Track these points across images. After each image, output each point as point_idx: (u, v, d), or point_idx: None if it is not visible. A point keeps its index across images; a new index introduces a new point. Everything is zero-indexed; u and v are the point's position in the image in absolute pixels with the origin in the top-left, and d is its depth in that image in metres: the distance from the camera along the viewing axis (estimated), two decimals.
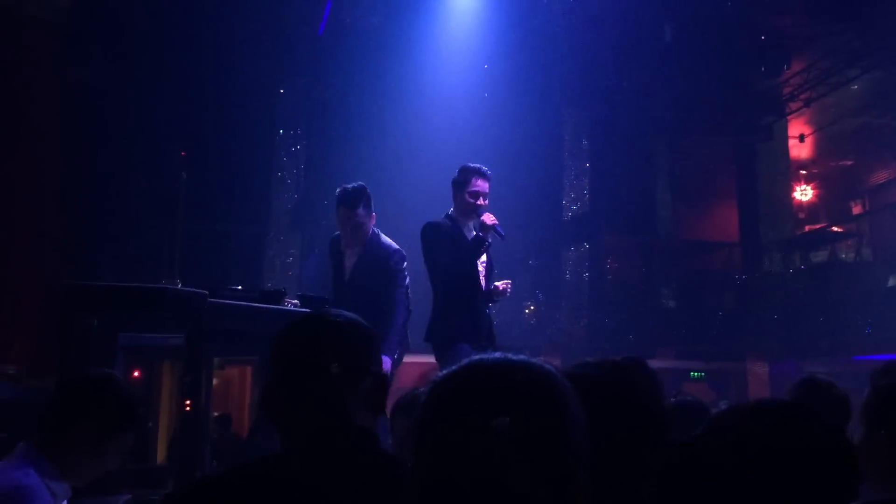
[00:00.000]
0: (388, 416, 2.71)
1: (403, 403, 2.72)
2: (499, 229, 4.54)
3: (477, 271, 4.66)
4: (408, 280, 4.79)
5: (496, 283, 4.75)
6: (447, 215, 4.77)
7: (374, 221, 4.80)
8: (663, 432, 1.41)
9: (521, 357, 1.03)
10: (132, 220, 8.49)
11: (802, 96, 11.28)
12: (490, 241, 4.60)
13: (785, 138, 12.27)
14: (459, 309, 4.56)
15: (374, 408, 1.58)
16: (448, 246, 4.57)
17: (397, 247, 4.81)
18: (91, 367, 2.52)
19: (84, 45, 7.90)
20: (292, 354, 1.57)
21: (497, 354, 1.03)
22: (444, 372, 1.03)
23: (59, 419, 2.06)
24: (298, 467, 1.43)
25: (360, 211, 4.70)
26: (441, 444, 0.96)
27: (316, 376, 1.52)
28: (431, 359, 4.87)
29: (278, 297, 4.12)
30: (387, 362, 4.32)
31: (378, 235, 4.83)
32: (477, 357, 1.03)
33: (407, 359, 6.58)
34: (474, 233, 4.68)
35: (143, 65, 8.88)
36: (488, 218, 4.53)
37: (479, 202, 4.62)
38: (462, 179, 4.67)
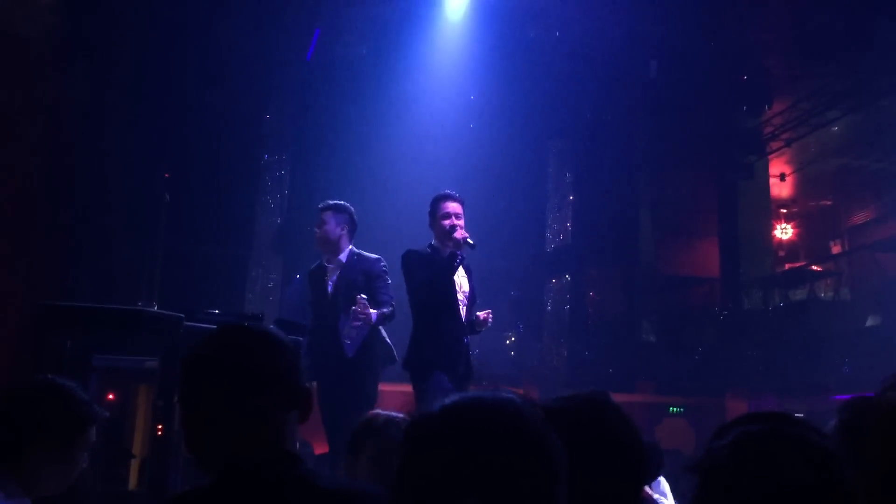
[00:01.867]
0: (351, 438, 2.66)
1: (360, 430, 2.68)
2: (469, 241, 4.58)
3: (455, 299, 4.67)
4: (389, 280, 5.04)
5: (478, 313, 4.75)
6: (428, 245, 4.82)
7: (345, 232, 5.11)
8: (642, 467, 1.41)
9: (499, 398, 1.01)
10: (113, 241, 8.42)
11: (784, 136, 11.43)
12: (463, 255, 4.63)
13: (766, 176, 12.40)
14: (437, 337, 4.57)
15: (302, 421, 1.50)
16: (424, 267, 4.60)
17: (378, 256, 5.12)
18: (30, 377, 2.39)
19: (67, 62, 7.89)
20: (208, 377, 1.42)
21: (474, 396, 1.02)
22: (422, 415, 1.02)
23: (16, 435, 1.99)
24: (225, 500, 1.33)
25: (329, 217, 5.07)
26: (418, 493, 0.95)
27: (237, 396, 1.39)
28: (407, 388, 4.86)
29: (256, 321, 4.10)
30: (373, 315, 4.74)
31: (359, 252, 5.12)
32: (455, 400, 1.02)
33: (391, 387, 6.56)
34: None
35: (129, 85, 8.86)
36: (458, 233, 4.58)
37: (451, 221, 4.66)
38: (434, 208, 4.77)
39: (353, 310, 4.77)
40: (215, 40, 8.66)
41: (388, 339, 5.10)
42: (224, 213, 9.11)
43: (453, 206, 4.72)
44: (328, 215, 5.14)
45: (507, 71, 9.62)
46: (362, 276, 5.00)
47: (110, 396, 8.13)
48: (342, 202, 5.24)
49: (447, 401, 1.01)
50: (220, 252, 9.35)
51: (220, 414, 1.40)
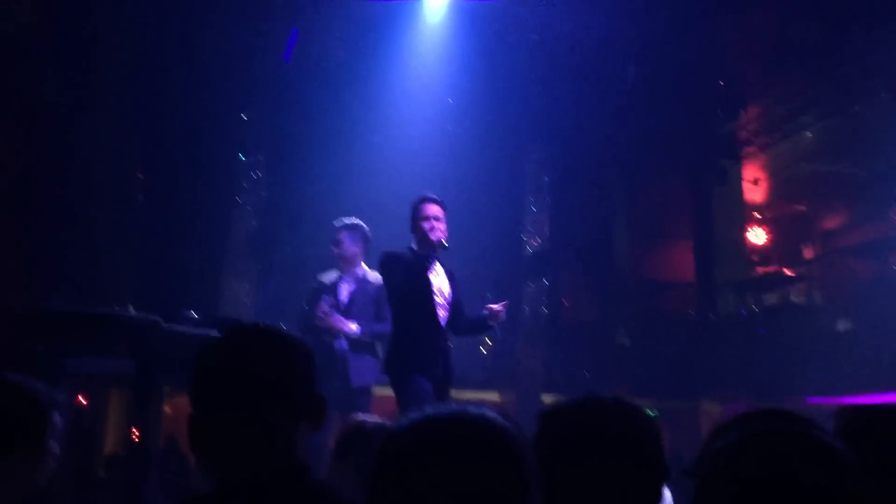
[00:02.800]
0: (337, 444, 2.65)
1: (349, 435, 2.66)
2: (444, 242, 4.59)
3: (432, 302, 4.65)
4: None
5: (491, 305, 4.74)
6: (408, 247, 4.80)
7: (361, 253, 5.44)
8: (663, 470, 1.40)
9: (477, 414, 1.00)
10: (87, 243, 8.32)
11: (758, 141, 11.53)
12: (436, 256, 4.64)
13: (740, 181, 12.50)
14: (414, 340, 4.55)
15: (314, 430, 1.43)
16: (402, 270, 4.60)
17: None
18: None
19: (42, 63, 7.78)
20: (223, 377, 1.36)
21: (453, 411, 1.01)
22: (398, 428, 1.01)
23: None
24: None
25: (342, 234, 5.38)
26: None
27: (250, 404, 1.34)
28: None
29: (234, 326, 4.04)
30: (356, 331, 5.12)
31: (369, 271, 5.40)
32: (431, 415, 1.01)
33: (385, 392, 6.56)
34: (435, 262, 4.71)
35: (104, 85, 8.76)
36: (434, 235, 4.59)
37: (430, 224, 4.66)
38: (414, 212, 4.77)
39: (319, 310, 5.15)
40: (192, 41, 8.58)
41: (380, 355, 5.28)
42: (199, 215, 9.03)
43: (433, 209, 4.72)
44: (343, 234, 5.44)
45: (485, 75, 9.63)
46: (375, 293, 5.30)
47: (82, 401, 8.04)
48: (356, 221, 5.53)
49: (417, 415, 1.01)
50: (195, 254, 9.26)
51: (227, 419, 1.35)
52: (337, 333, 5.12)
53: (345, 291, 5.37)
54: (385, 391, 6.41)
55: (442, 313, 4.71)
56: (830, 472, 0.95)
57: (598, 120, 10.72)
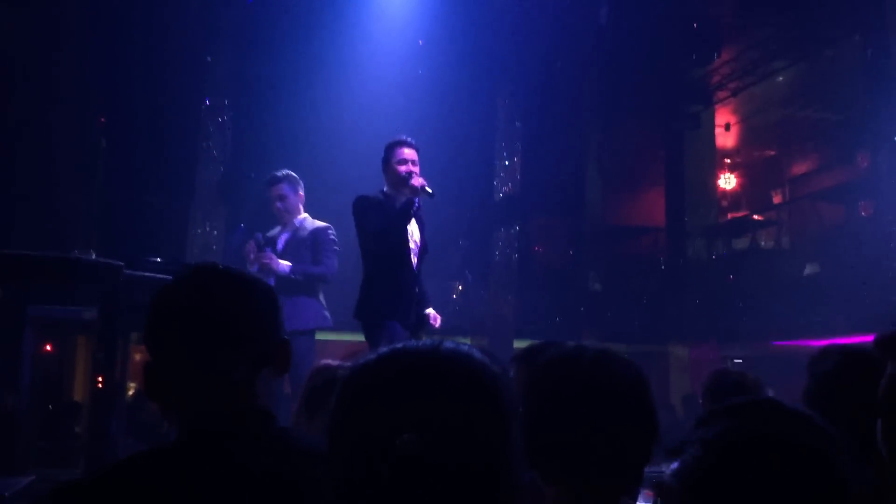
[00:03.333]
0: (302, 398, 2.59)
1: (321, 385, 2.60)
2: (427, 189, 4.51)
3: (407, 247, 4.60)
4: (337, 248, 5.24)
5: (427, 312, 4.70)
6: (380, 191, 4.73)
7: (302, 202, 5.38)
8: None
9: (453, 346, 0.93)
10: (48, 188, 8.13)
11: (730, 85, 11.49)
12: (419, 203, 4.56)
13: (712, 126, 12.50)
14: (388, 286, 4.50)
15: (278, 375, 1.37)
16: (378, 214, 4.52)
17: (327, 224, 5.33)
18: None
19: (2, 5, 7.50)
20: (179, 322, 1.28)
21: (427, 343, 0.94)
22: (366, 359, 0.94)
23: None
24: (192, 462, 1.21)
25: (283, 188, 5.30)
26: (358, 443, 0.86)
27: (211, 348, 1.27)
28: (359, 338, 4.80)
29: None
30: (285, 268, 5.04)
31: (308, 218, 5.37)
32: (402, 346, 0.94)
33: (334, 337, 6.53)
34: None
35: (64, 27, 8.49)
36: (416, 180, 4.50)
37: (408, 167, 4.58)
38: (387, 154, 4.68)
39: (246, 250, 5.14)
40: None
41: (322, 300, 5.25)
42: (164, 159, 8.84)
43: (409, 153, 4.62)
44: (284, 187, 5.34)
45: (456, 17, 9.44)
46: (310, 238, 5.25)
47: (48, 348, 7.94)
48: (291, 172, 5.43)
49: (389, 347, 0.94)
50: (160, 200, 9.10)
51: (183, 365, 1.27)
52: (267, 273, 5.01)
53: (281, 241, 5.33)
54: (339, 337, 6.42)
55: (413, 259, 4.66)
56: (819, 481, 0.90)
57: (570, 64, 10.60)
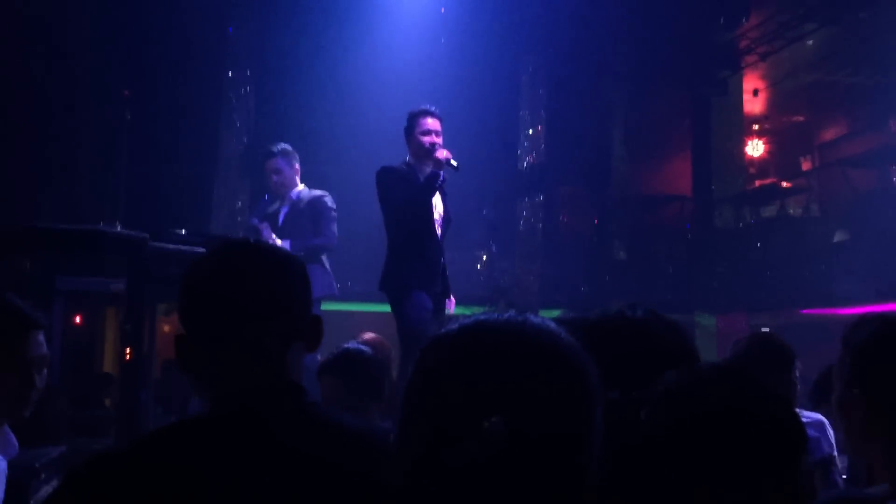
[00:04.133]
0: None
1: (332, 361, 2.60)
2: (452, 162, 4.48)
3: (432, 218, 4.58)
4: (335, 215, 5.33)
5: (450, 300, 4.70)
6: (403, 162, 4.69)
7: (297, 174, 5.46)
8: None
9: (540, 323, 0.89)
10: (74, 161, 8.19)
11: (759, 50, 11.27)
12: (445, 175, 4.53)
13: (740, 93, 12.28)
14: (414, 256, 4.49)
15: (310, 351, 1.38)
16: (403, 186, 4.49)
17: (324, 192, 5.43)
18: None
19: None
20: (211, 296, 1.29)
21: (512, 318, 0.89)
22: (446, 333, 0.90)
23: None
24: (224, 435, 1.22)
25: (279, 162, 5.40)
26: (438, 423, 0.83)
27: (242, 322, 1.27)
28: (377, 309, 4.82)
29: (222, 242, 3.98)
30: (285, 246, 4.96)
31: (306, 189, 5.46)
32: (486, 320, 0.89)
33: (354, 308, 6.56)
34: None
35: (87, 1, 8.50)
36: (441, 153, 4.46)
37: (431, 139, 4.54)
38: (411, 123, 4.64)
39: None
40: None
41: (328, 268, 5.32)
42: (188, 131, 8.86)
43: (433, 123, 4.58)
44: (279, 161, 5.43)
45: None
46: (309, 209, 5.33)
47: (77, 320, 8.04)
48: (286, 146, 5.51)
49: (466, 320, 0.90)
50: (184, 172, 9.13)
51: (216, 339, 1.28)
52: None
53: (281, 216, 5.42)
54: (351, 307, 6.44)
55: (437, 230, 4.64)
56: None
57: (595, 30, 10.44)
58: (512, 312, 0.89)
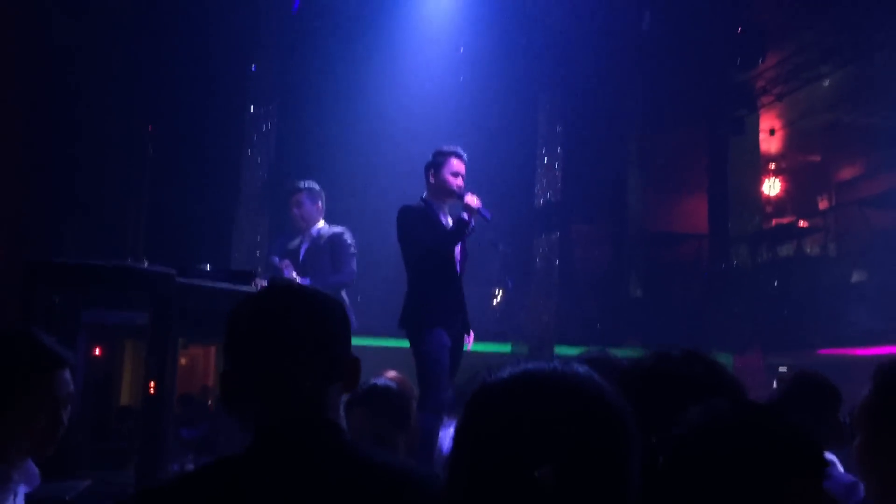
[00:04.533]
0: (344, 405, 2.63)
1: (362, 394, 2.64)
2: (484, 212, 4.49)
3: (454, 259, 4.60)
4: (354, 251, 5.44)
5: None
6: (421, 199, 4.72)
7: (320, 213, 5.60)
8: None
9: (572, 368, 0.94)
10: (97, 195, 8.30)
11: (775, 90, 11.33)
12: (474, 224, 4.54)
13: (756, 132, 12.33)
14: (436, 294, 4.50)
15: (347, 391, 1.42)
16: (423, 228, 4.51)
17: (343, 229, 5.55)
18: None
19: (51, 15, 7.67)
20: (256, 334, 1.34)
21: (544, 365, 0.94)
22: (493, 382, 0.94)
23: None
24: (265, 469, 1.26)
25: (302, 197, 5.54)
26: (487, 471, 0.87)
27: (284, 360, 1.32)
28: (396, 344, 4.84)
29: (248, 277, 4.05)
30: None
31: (326, 225, 5.59)
32: (530, 370, 0.94)
33: (372, 343, 6.58)
34: (448, 215, 4.63)
35: (112, 36, 8.65)
36: (472, 200, 4.47)
37: (460, 182, 4.58)
38: (439, 161, 4.64)
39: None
40: None
41: (347, 302, 5.36)
42: (209, 167, 8.99)
43: (460, 165, 4.61)
44: (303, 197, 5.58)
45: (497, 22, 9.47)
46: (328, 246, 5.46)
47: (97, 352, 8.09)
48: (313, 184, 5.66)
49: (514, 369, 0.94)
50: (205, 207, 9.23)
51: (259, 377, 1.33)
52: None
53: (302, 251, 5.56)
54: (370, 343, 6.48)
55: (457, 268, 4.66)
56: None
57: (613, 68, 10.55)
58: (557, 362, 0.93)
